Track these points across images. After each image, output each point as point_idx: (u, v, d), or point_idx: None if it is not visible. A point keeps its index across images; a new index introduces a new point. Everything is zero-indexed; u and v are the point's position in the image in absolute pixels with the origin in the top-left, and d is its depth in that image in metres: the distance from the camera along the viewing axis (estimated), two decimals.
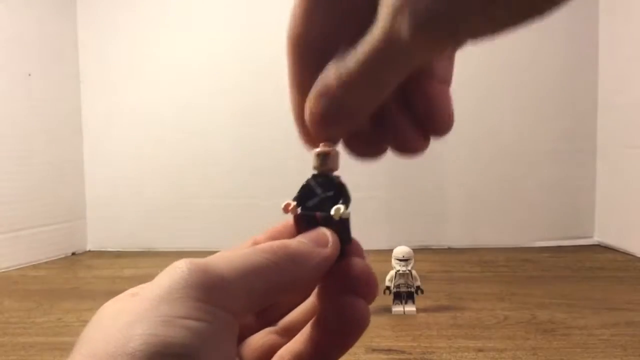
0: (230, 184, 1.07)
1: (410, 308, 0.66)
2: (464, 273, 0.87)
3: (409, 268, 0.65)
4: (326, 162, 0.22)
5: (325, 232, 0.21)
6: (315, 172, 0.22)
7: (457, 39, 0.15)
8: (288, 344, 0.21)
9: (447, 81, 0.20)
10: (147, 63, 1.09)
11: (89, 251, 1.11)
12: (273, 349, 0.22)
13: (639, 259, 0.92)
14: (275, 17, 1.08)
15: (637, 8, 0.94)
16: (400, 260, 0.65)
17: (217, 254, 0.18)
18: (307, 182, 0.22)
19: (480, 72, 1.04)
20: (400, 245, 0.66)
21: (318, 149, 0.22)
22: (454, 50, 0.19)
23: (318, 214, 0.21)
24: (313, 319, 0.21)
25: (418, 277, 0.66)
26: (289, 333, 0.22)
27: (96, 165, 1.11)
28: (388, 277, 0.66)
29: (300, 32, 0.19)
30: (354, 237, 0.22)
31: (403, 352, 0.54)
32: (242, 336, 0.22)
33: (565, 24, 1.04)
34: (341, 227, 0.21)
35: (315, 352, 0.21)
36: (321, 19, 0.18)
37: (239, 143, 1.07)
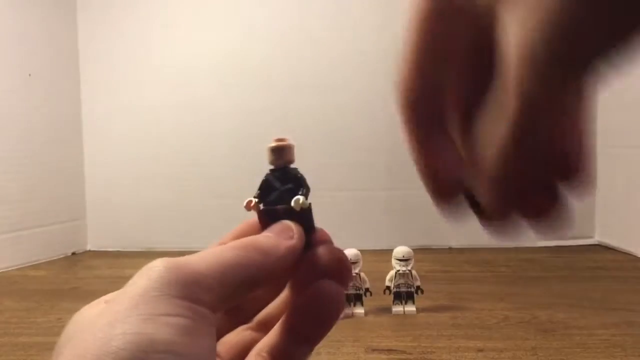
0: (230, 184, 1.07)
1: (410, 308, 0.66)
2: (464, 273, 0.87)
3: (409, 268, 0.65)
4: (282, 156, 0.23)
5: (289, 224, 0.21)
6: (272, 167, 0.23)
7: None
8: (264, 338, 0.22)
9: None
10: (147, 63, 1.09)
11: (89, 251, 1.11)
12: (249, 345, 0.22)
13: (639, 259, 0.92)
14: (275, 17, 1.08)
15: None
16: (400, 260, 0.65)
17: (190, 254, 0.18)
18: (266, 177, 0.23)
19: None
20: (400, 245, 0.66)
21: (272, 144, 0.23)
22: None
23: (279, 207, 0.22)
24: (288, 310, 0.22)
25: (418, 277, 0.66)
26: (264, 328, 0.22)
27: (96, 165, 1.11)
28: (388, 277, 0.66)
29: (413, 87, 0.19)
30: (319, 226, 0.22)
31: (403, 352, 0.54)
32: (217, 336, 0.22)
33: None
34: (304, 217, 0.22)
35: (293, 342, 0.21)
36: (434, 73, 0.18)
37: (239, 143, 1.07)
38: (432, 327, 0.61)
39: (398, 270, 0.65)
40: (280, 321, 0.22)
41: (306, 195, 0.22)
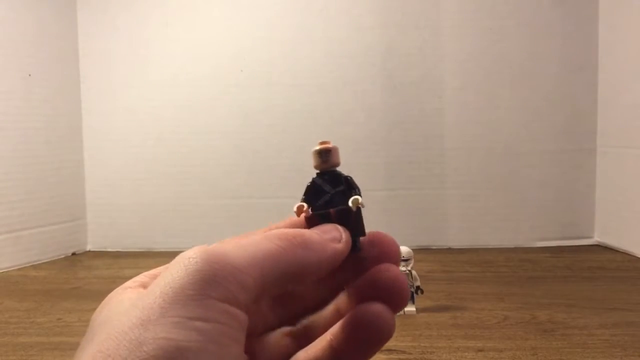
0: (230, 184, 1.07)
1: (410, 308, 0.66)
2: (464, 273, 0.87)
3: (409, 268, 0.65)
4: (329, 159, 0.22)
5: (337, 227, 0.21)
6: (317, 171, 0.22)
7: None
8: (306, 349, 0.21)
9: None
10: (147, 63, 1.09)
11: (89, 251, 1.11)
12: (286, 354, 0.21)
13: (639, 259, 0.92)
14: (275, 18, 1.08)
15: (637, 8, 0.94)
16: (400, 260, 0.65)
17: (231, 240, 0.17)
18: (313, 181, 0.22)
19: (480, 72, 1.04)
20: (400, 245, 0.66)
21: (318, 147, 0.22)
22: None
23: (333, 210, 0.21)
24: (335, 325, 0.21)
25: (418, 277, 0.66)
26: (307, 337, 0.22)
27: (96, 166, 1.11)
28: None
29: None
30: (392, 237, 0.22)
31: (403, 352, 0.54)
32: (256, 328, 0.21)
33: (565, 23, 1.04)
34: (356, 219, 0.21)
35: (333, 356, 0.20)
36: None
37: (238, 143, 1.07)
38: (432, 327, 0.61)
39: None
40: (323, 336, 0.21)
41: (360, 196, 0.21)
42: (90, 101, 1.11)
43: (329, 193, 0.22)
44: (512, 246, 1.04)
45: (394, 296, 0.20)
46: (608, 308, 0.66)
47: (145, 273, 0.20)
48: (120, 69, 1.10)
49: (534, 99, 1.05)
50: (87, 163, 1.12)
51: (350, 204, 0.21)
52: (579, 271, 0.86)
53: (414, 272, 0.65)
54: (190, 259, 0.16)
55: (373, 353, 0.20)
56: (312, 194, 0.22)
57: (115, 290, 0.19)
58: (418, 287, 0.66)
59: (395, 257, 0.22)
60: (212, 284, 0.15)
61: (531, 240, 1.05)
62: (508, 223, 1.06)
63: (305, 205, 0.21)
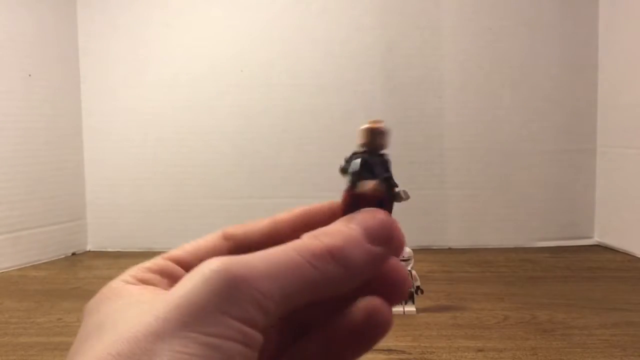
0: (230, 184, 1.07)
1: (410, 308, 0.66)
2: (464, 273, 0.87)
3: (409, 268, 0.65)
4: (382, 139, 0.20)
5: (392, 222, 0.18)
6: (365, 149, 0.20)
7: None
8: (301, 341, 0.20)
9: None
10: (147, 63, 1.09)
11: (89, 251, 1.11)
12: None
13: (639, 259, 0.92)
14: (275, 18, 1.08)
15: (637, 8, 0.94)
16: (400, 260, 0.65)
17: (257, 254, 0.16)
18: (364, 158, 0.20)
19: (480, 72, 1.04)
20: None
21: (375, 125, 0.20)
22: None
23: (385, 196, 0.19)
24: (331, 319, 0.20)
25: (418, 277, 0.66)
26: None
27: (96, 166, 1.11)
28: None
29: None
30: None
31: (403, 352, 0.54)
32: (269, 349, 0.20)
33: (565, 23, 1.04)
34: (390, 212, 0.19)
35: (329, 354, 0.20)
36: None
37: (238, 143, 1.07)
38: (432, 327, 0.61)
39: None
40: (318, 327, 0.20)
41: None
42: (90, 101, 1.11)
43: (378, 177, 0.19)
44: (512, 246, 1.04)
45: (398, 294, 0.19)
46: (608, 308, 0.66)
47: (140, 266, 0.20)
48: (120, 69, 1.10)
49: (534, 99, 1.05)
50: (87, 163, 1.11)
51: (402, 195, 0.19)
52: (578, 271, 0.86)
53: (414, 272, 0.65)
54: (213, 272, 0.15)
55: (369, 349, 0.19)
56: (363, 170, 0.19)
57: (109, 285, 0.18)
58: (418, 287, 0.66)
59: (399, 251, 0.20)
60: (233, 303, 0.15)
61: (531, 240, 1.05)
62: (508, 223, 1.06)
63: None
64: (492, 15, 1.04)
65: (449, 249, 1.05)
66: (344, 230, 0.18)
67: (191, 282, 0.15)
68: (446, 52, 1.04)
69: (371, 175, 0.19)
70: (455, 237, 1.06)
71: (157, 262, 0.20)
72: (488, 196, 1.06)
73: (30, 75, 0.99)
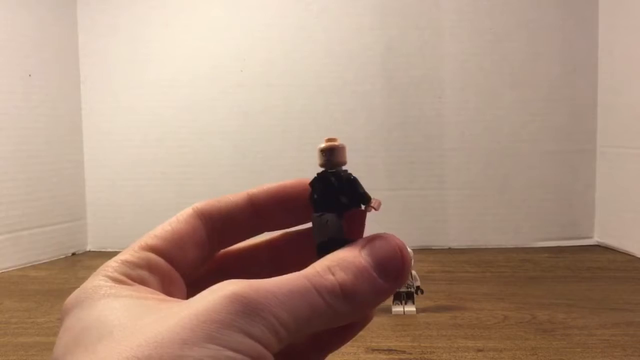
0: (230, 184, 1.07)
1: (410, 308, 0.66)
2: (464, 273, 0.87)
3: None
4: (340, 157, 0.21)
5: (406, 258, 0.18)
6: (323, 168, 0.20)
7: None
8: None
9: None
10: (147, 63, 1.09)
11: (89, 251, 1.11)
12: None
13: (639, 259, 0.92)
14: (275, 18, 1.08)
15: (637, 8, 0.94)
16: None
17: (272, 281, 0.17)
18: (323, 177, 0.20)
19: (480, 73, 1.04)
20: None
21: (325, 145, 0.21)
22: None
23: (362, 208, 0.20)
24: None
25: (418, 277, 0.66)
26: None
27: (96, 166, 1.11)
28: None
29: None
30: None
31: (403, 352, 0.54)
32: None
33: (565, 24, 1.04)
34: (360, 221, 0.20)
35: (312, 343, 0.20)
36: None
37: (238, 143, 1.07)
38: (432, 327, 0.61)
39: None
40: None
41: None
42: (90, 101, 1.11)
43: (337, 192, 0.20)
44: (512, 246, 1.04)
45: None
46: (608, 308, 0.66)
47: (122, 259, 0.20)
48: (120, 69, 1.10)
49: (534, 99, 1.05)
50: (87, 163, 1.11)
51: (372, 204, 0.19)
52: (578, 271, 0.86)
53: (414, 272, 0.65)
54: (235, 295, 0.16)
55: (352, 337, 0.20)
56: (324, 190, 0.20)
57: (93, 284, 0.19)
58: (418, 287, 0.66)
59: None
60: (253, 325, 0.15)
61: (531, 240, 1.05)
62: (508, 223, 1.06)
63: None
64: (492, 16, 1.04)
65: (449, 249, 1.05)
66: (357, 264, 0.18)
67: (212, 300, 0.16)
68: (446, 52, 1.04)
69: (329, 194, 0.20)
70: (455, 237, 1.06)
71: (138, 255, 0.20)
72: (488, 196, 1.06)
73: (30, 75, 0.99)
